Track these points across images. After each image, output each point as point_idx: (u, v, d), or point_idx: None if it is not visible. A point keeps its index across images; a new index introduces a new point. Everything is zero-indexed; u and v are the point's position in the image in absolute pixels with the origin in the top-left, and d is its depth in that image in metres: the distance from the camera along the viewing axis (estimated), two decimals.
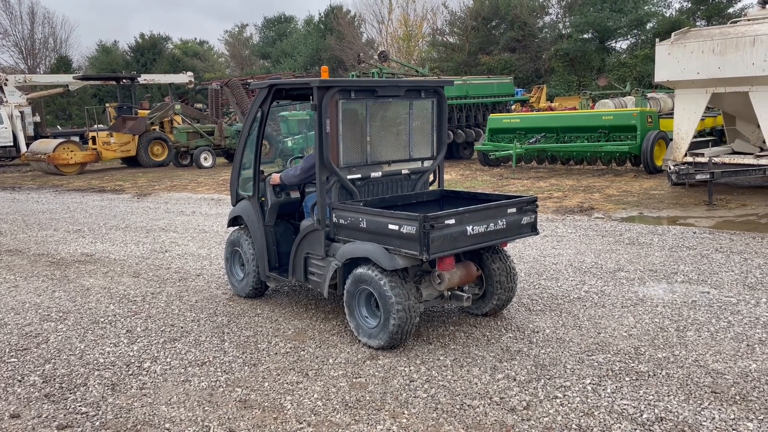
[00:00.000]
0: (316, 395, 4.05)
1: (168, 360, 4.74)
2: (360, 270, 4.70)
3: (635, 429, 3.47)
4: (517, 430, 3.52)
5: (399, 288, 4.51)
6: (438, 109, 5.44)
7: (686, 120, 11.28)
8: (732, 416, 3.56)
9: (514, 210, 4.82)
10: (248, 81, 32.93)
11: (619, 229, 8.77)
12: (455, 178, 15.03)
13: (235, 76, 41.39)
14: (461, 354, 4.59)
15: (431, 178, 5.65)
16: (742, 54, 9.97)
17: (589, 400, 3.82)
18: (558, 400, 3.83)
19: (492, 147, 16.51)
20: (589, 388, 3.98)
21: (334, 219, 4.91)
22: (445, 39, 41.59)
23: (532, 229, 5.02)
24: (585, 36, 34.30)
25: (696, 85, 10.84)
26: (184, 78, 30.46)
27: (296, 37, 49.01)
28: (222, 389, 4.20)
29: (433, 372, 4.31)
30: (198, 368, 4.56)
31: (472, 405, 3.82)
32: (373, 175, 5.17)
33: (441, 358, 4.54)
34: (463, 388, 4.06)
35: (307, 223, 5.23)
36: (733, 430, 3.42)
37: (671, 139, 11.94)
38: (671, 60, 10.88)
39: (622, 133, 14.72)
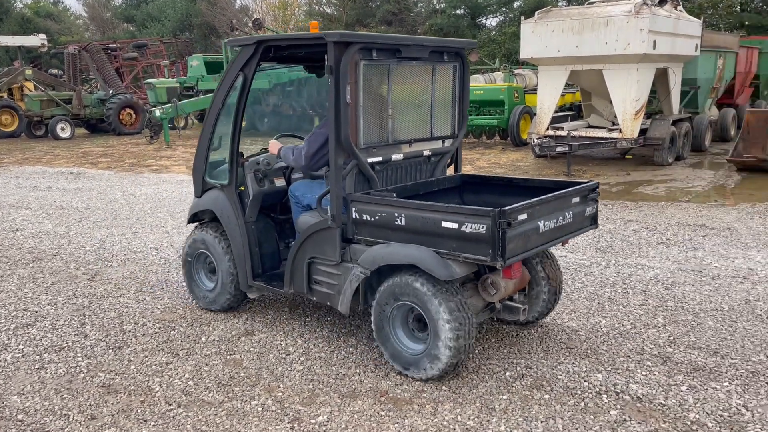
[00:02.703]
0: (187, 375, 3.91)
1: (20, 347, 4.36)
2: (398, 279, 3.73)
3: (499, 386, 3.68)
4: (391, 395, 3.61)
5: (453, 302, 3.57)
6: (461, 76, 4.55)
7: (548, 96, 11.97)
8: (584, 369, 3.87)
9: (578, 199, 4.04)
10: (110, 45, 30.76)
11: None
12: None
13: (95, 40, 38.34)
14: (338, 325, 4.62)
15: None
16: (597, 34, 10.69)
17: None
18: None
19: None
20: None
21: (354, 215, 3.91)
22: (322, 9, 41.05)
23: (593, 221, 4.25)
24: (458, 12, 35.25)
25: (557, 63, 11.51)
26: (35, 41, 27.71)
27: (164, 1, 46.16)
28: (83, 375, 3.94)
29: (310, 344, 4.30)
30: (55, 354, 4.24)
31: (347, 374, 3.87)
32: (395, 157, 4.21)
33: (318, 330, 4.54)
34: (339, 358, 4.09)
35: (310, 220, 4.17)
36: (585, 381, 3.72)
37: (535, 114, 12.64)
38: (535, 38, 11.45)
39: (492, 108, 15.37)
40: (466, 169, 11.91)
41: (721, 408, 3.39)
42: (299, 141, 4.71)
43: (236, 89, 4.38)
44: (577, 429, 3.23)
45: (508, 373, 3.84)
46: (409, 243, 3.67)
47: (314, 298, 4.23)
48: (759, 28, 27.30)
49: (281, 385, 3.76)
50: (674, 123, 12.10)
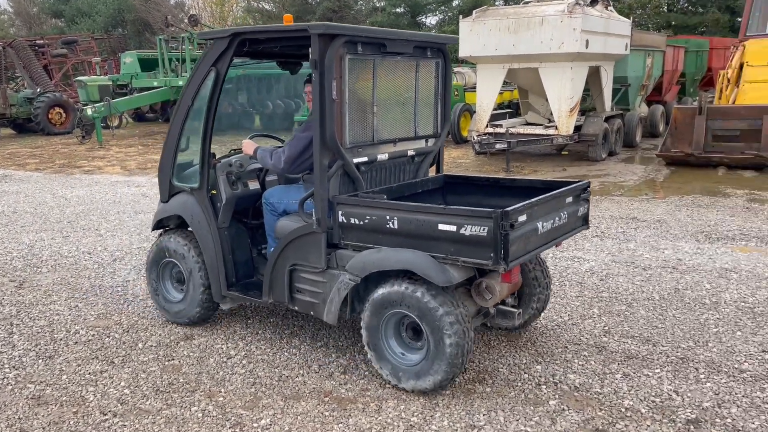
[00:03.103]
0: (123, 383, 3.78)
1: None
2: (393, 287, 3.52)
3: None
4: (335, 394, 3.59)
5: (451, 306, 3.41)
6: (444, 72, 4.42)
7: (487, 94, 12.18)
8: (524, 361, 3.96)
9: (571, 199, 3.93)
10: (37, 42, 29.40)
11: None
12: None
13: (21, 36, 36.59)
14: (281, 327, 4.56)
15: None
16: (533, 33, 10.95)
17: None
18: (371, 363, 3.97)
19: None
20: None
21: (341, 218, 3.71)
22: (261, 6, 40.44)
23: (585, 222, 4.15)
24: (398, 10, 35.41)
25: (494, 61, 11.72)
26: None
27: None
28: (11, 387, 3.75)
29: (252, 347, 4.23)
30: None
31: (291, 376, 3.83)
32: (380, 157, 4.04)
33: (260, 332, 4.47)
34: (282, 360, 4.04)
35: (291, 224, 3.97)
36: (525, 373, 3.80)
37: (475, 112, 12.84)
38: (473, 36, 11.62)
39: None
40: None
41: (653, 394, 3.53)
42: (274, 141, 4.64)
43: (207, 86, 4.13)
44: (517, 420, 3.30)
45: None
46: (401, 247, 3.49)
47: (296, 308, 4.00)
48: (685, 27, 28.61)
49: (222, 390, 3.68)
50: (607, 120, 12.52)
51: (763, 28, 12.63)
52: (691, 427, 3.21)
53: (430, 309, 3.38)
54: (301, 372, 3.86)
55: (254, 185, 4.57)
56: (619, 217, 7.76)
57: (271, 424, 3.32)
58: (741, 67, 12.10)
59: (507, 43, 11.24)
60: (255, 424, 3.32)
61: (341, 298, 3.69)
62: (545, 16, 10.84)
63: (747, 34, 12.69)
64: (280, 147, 4.19)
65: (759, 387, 3.59)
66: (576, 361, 3.94)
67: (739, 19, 16.40)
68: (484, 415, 3.35)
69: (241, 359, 4.05)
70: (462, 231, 3.27)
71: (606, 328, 4.44)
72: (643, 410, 3.36)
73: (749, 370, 3.78)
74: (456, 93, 15.74)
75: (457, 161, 12.75)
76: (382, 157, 4.07)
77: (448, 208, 3.43)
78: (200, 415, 3.43)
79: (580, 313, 4.71)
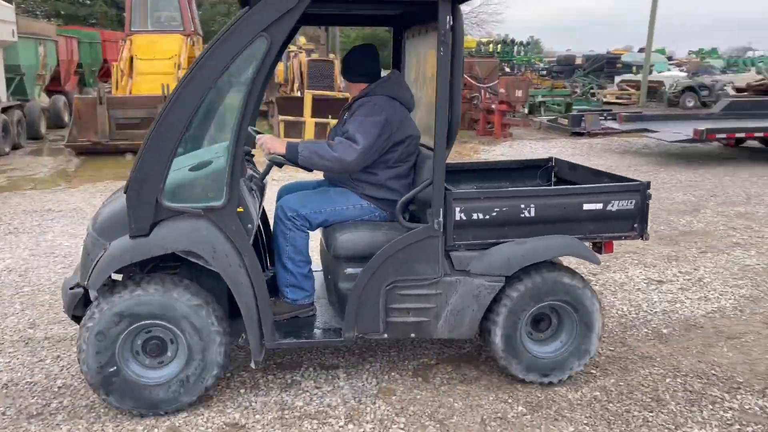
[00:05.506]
0: None
1: None
2: (538, 279, 3.27)
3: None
4: None
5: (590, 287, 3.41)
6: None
7: None
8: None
9: None
10: None
11: None
12: None
13: None
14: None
15: None
16: None
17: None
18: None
19: None
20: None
21: (459, 216, 3.22)
22: None
23: None
24: None
25: None
26: None
27: None
28: None
29: None
30: None
31: None
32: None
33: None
34: None
35: (367, 236, 3.30)
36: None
37: None
38: None
39: None
40: None
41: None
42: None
43: (250, 62, 2.90)
44: None
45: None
46: (533, 236, 3.30)
47: (387, 336, 3.30)
48: (75, 18, 28.68)
49: None
50: (4, 111, 11.66)
51: (145, 24, 13.94)
52: None
53: (586, 293, 3.33)
54: None
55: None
56: (33, 210, 7.51)
57: None
58: (132, 59, 13.09)
59: None
60: None
61: (482, 306, 3.27)
62: None
63: (132, 29, 13.75)
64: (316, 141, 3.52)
65: None
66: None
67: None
68: None
69: None
70: (609, 207, 3.35)
71: (31, 320, 4.37)
72: (76, 384, 3.53)
73: None
74: None
75: None
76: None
77: (594, 186, 3.47)
78: None
79: (1, 312, 4.47)
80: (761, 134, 11.06)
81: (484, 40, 34.28)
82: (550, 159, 4.36)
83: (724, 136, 10.87)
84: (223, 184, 2.97)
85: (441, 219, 3.15)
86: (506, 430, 3.07)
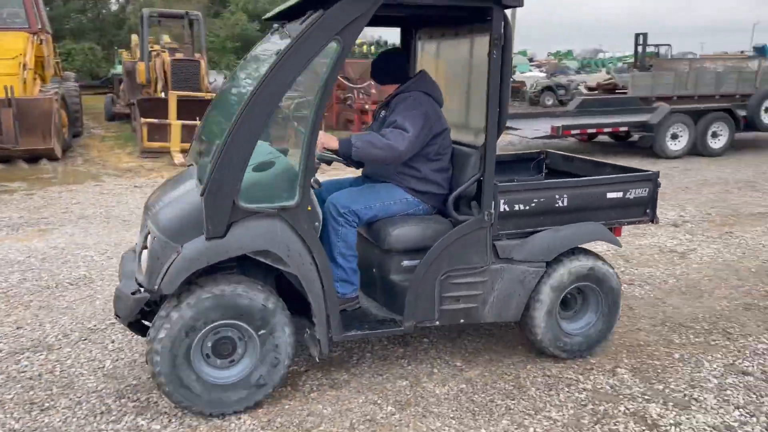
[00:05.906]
0: None
1: None
2: (572, 265, 3.54)
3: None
4: None
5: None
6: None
7: None
8: None
9: None
10: None
11: None
12: None
13: None
14: None
15: None
16: None
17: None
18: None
19: None
20: None
21: (503, 207, 3.43)
22: None
23: None
24: None
25: None
26: None
27: None
28: None
29: None
30: None
31: None
32: None
33: None
34: None
35: (432, 226, 3.45)
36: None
37: None
38: None
39: None
40: None
41: None
42: None
43: (323, 65, 2.95)
44: None
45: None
46: (564, 223, 3.58)
47: (439, 323, 3.46)
48: None
49: None
50: None
51: (3, 21, 12.58)
52: None
53: (613, 277, 3.66)
54: None
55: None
56: None
57: None
58: None
59: None
60: None
61: (528, 290, 3.51)
62: None
63: None
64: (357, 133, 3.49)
65: (15, 360, 3.81)
66: None
67: None
68: None
69: None
70: (628, 195, 3.68)
71: None
72: None
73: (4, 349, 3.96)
74: None
75: None
76: None
77: (614, 176, 3.75)
78: None
79: None
80: (609, 129, 11.97)
81: (357, 41, 34.52)
82: (542, 152, 4.65)
83: (578, 131, 11.62)
84: (296, 184, 3.02)
85: (492, 211, 3.35)
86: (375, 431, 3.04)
